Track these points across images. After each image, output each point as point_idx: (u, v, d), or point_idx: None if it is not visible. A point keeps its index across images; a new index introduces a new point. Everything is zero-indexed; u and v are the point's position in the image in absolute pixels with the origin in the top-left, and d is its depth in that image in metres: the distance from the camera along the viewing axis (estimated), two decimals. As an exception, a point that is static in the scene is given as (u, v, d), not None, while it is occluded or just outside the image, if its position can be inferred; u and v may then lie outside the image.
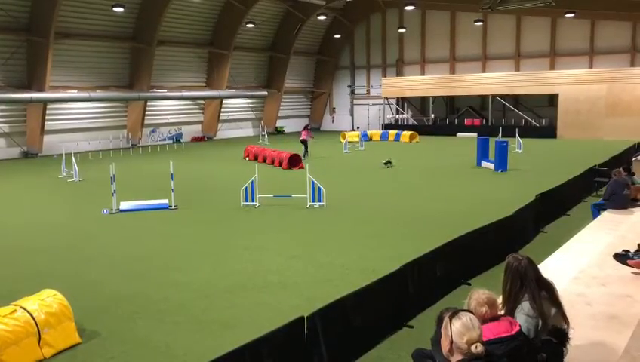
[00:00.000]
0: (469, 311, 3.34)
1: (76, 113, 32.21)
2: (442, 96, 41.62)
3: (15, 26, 28.04)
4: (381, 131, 38.58)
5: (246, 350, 5.03)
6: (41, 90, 28.57)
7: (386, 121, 43.42)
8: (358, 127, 44.55)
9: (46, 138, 30.17)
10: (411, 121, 42.73)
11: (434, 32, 42.65)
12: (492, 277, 8.57)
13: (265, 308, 7.80)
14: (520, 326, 3.94)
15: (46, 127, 29.99)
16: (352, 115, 48.08)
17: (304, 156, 25.05)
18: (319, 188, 14.82)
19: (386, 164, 22.47)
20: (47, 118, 29.80)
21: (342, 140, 32.70)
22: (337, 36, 45.28)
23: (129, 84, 34.04)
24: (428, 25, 42.86)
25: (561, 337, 4.26)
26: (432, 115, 41.87)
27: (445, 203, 15.00)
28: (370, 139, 35.97)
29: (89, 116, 32.84)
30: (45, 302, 6.64)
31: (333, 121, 49.01)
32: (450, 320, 3.18)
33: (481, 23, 39.39)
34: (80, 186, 19.58)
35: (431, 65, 43.28)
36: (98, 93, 31.73)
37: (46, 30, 27.78)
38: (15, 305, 6.45)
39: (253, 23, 37.78)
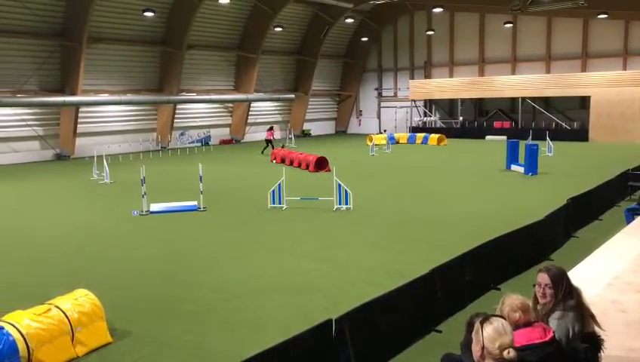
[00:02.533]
0: (500, 316, 3.30)
1: (107, 116, 32.84)
2: (471, 99, 41.23)
3: (49, 32, 28.74)
4: (408, 134, 38.38)
5: (274, 352, 5.06)
6: (73, 93, 29.20)
7: (414, 124, 43.18)
8: (385, 130, 44.39)
9: (78, 140, 30.80)
10: (439, 124, 42.40)
11: (463, 34, 42.28)
12: (522, 282, 8.45)
13: (292, 310, 7.83)
14: (554, 332, 3.87)
15: (78, 130, 30.63)
16: (378, 117, 47.94)
17: (262, 151, 29.44)
18: (346, 191, 14.82)
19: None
20: (79, 120, 30.44)
21: (368, 143, 32.62)
22: (365, 39, 45.22)
23: (159, 88, 34.56)
24: (456, 27, 42.51)
25: (596, 343, 4.17)
26: (461, 118, 41.48)
27: (474, 206, 14.84)
28: (398, 142, 35.82)
29: (120, 119, 33.43)
30: (78, 301, 6.77)
31: (359, 123, 48.93)
32: (482, 325, 3.15)
33: (511, 25, 38.89)
34: (111, 188, 19.94)
35: (459, 68, 42.90)
36: (129, 97, 32.28)
37: (79, 35, 28.40)
38: (49, 304, 6.60)
39: (281, 27, 38.01)
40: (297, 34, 41.95)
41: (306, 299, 8.27)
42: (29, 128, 29.54)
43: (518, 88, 38.02)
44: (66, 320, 6.46)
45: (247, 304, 8.12)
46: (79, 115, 30.32)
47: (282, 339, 5.34)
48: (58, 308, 6.54)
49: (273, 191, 15.36)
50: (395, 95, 46.68)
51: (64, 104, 29.07)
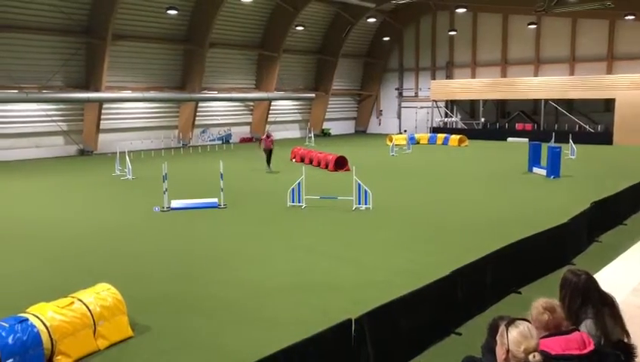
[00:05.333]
0: (526, 319, 3.26)
1: (130, 113, 33.22)
2: (493, 100, 40.86)
3: (75, 29, 29.15)
4: (429, 134, 38.16)
5: (294, 350, 5.07)
6: (97, 90, 29.59)
7: (435, 125, 42.93)
8: (405, 130, 44.21)
9: (101, 136, 31.20)
10: (460, 125, 42.09)
11: (485, 35, 41.93)
12: (544, 286, 8.36)
13: (311, 308, 7.84)
14: (595, 345, 3.69)
15: (101, 126, 31.03)
16: (399, 117, 47.75)
17: (269, 164, 23.04)
18: (365, 190, 14.79)
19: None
20: (102, 117, 30.83)
21: (388, 143, 32.52)
22: (386, 39, 45.06)
23: (181, 85, 34.84)
24: (479, 27, 42.16)
25: (628, 352, 4.06)
26: (482, 119, 41.13)
27: (495, 209, 14.71)
28: (418, 143, 35.65)
29: (142, 116, 33.80)
30: (100, 295, 6.86)
31: (379, 123, 48.80)
32: (507, 328, 3.12)
33: (535, 26, 38.44)
34: (133, 184, 20.16)
35: (482, 69, 42.53)
36: (151, 94, 32.62)
37: (104, 32, 28.77)
38: (72, 297, 6.69)
39: (303, 26, 38.06)
40: (318, 33, 41.96)
41: (324, 298, 8.27)
42: (54, 123, 30.00)
43: (541, 90, 37.57)
44: (89, 313, 6.55)
45: (265, 302, 8.15)
46: (103, 111, 30.71)
47: (301, 338, 5.35)
48: (81, 301, 6.63)
49: (293, 189, 15.39)
50: (416, 95, 46.46)
51: (88, 100, 29.48)
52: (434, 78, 44.40)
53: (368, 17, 40.79)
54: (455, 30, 42.05)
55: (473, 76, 42.73)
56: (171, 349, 6.63)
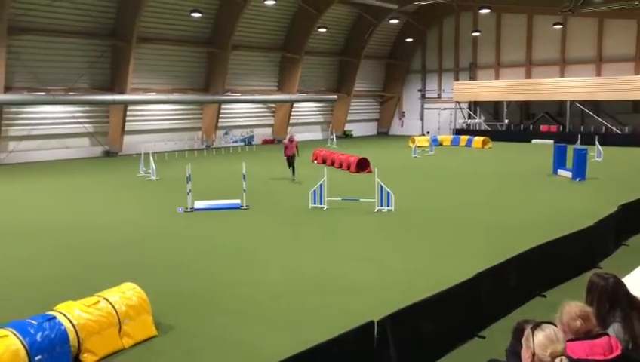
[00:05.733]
0: (552, 322, 3.22)
1: (154, 114, 33.62)
2: (517, 102, 40.41)
3: (101, 32, 29.63)
4: (452, 136, 37.88)
5: (316, 351, 5.08)
6: (122, 92, 30.02)
7: (458, 126, 42.61)
8: (428, 132, 43.97)
9: (126, 138, 31.64)
10: (484, 126, 41.71)
11: (509, 36, 41.49)
12: (569, 290, 8.23)
13: (333, 310, 7.84)
14: (621, 350, 3.62)
15: (126, 128, 31.46)
16: (421, 119, 47.52)
17: (293, 172, 20.60)
18: (388, 192, 14.74)
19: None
20: (127, 118, 31.27)
21: (411, 145, 32.37)
22: (409, 40, 44.88)
23: (204, 88, 35.16)
24: (503, 28, 41.74)
25: None
26: (506, 121, 40.70)
27: (519, 211, 14.54)
28: (441, 144, 35.41)
29: (166, 118, 34.18)
30: (126, 294, 6.96)
31: (402, 125, 48.60)
32: (533, 332, 3.08)
33: (560, 27, 37.93)
34: (157, 185, 20.40)
35: (506, 70, 42.10)
36: (175, 96, 32.98)
37: (129, 35, 29.19)
38: (98, 296, 6.80)
39: (325, 28, 38.12)
40: (341, 35, 41.98)
41: (347, 299, 8.27)
42: (80, 125, 30.51)
43: (567, 91, 37.03)
44: (114, 312, 6.65)
45: (288, 302, 8.18)
46: (127, 112, 31.14)
47: (324, 339, 5.36)
48: (107, 300, 6.74)
49: (314, 191, 15.42)
50: (439, 96, 46.19)
51: (113, 102, 29.93)
52: (457, 80, 44.09)
53: (391, 19, 40.69)
54: (479, 31, 41.71)
55: (497, 77, 42.32)
56: (195, 349, 6.69)
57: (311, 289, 8.72)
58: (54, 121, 29.50)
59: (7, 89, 26.35)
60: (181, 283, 9.14)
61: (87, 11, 28.47)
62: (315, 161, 26.79)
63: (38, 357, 5.79)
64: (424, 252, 10.84)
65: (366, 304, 7.97)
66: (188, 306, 8.05)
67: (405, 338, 5.92)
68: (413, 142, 32.40)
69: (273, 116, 40.57)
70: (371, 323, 5.68)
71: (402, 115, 48.89)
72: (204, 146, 35.32)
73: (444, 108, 45.25)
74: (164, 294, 8.33)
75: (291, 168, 20.50)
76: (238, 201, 15.66)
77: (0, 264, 10.36)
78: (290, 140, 20.66)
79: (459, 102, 42.86)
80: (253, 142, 38.67)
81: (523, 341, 3.17)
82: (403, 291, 8.31)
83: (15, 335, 5.78)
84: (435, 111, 46.25)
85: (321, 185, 15.30)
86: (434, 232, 12.45)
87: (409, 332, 6.01)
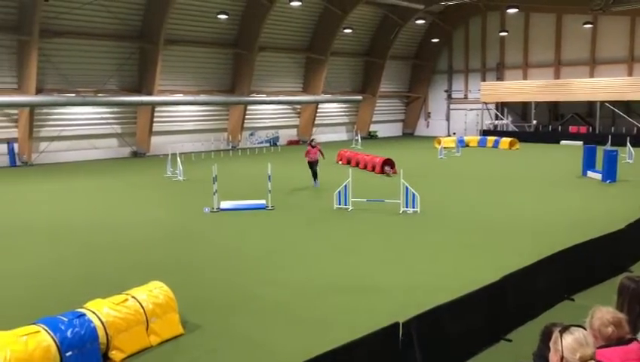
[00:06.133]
0: (581, 326, 3.16)
1: (181, 116, 34.00)
2: (545, 102, 39.80)
3: (129, 34, 30.10)
4: (479, 137, 37.48)
5: (341, 351, 5.08)
6: (150, 93, 30.43)
7: (485, 127, 42.16)
8: (454, 133, 43.59)
9: (153, 139, 32.07)
10: (511, 128, 41.19)
11: (538, 36, 40.89)
12: (599, 294, 8.09)
13: (358, 310, 7.83)
14: None
15: (154, 129, 31.88)
16: (448, 120, 47.13)
17: (315, 178, 19.39)
18: (413, 193, 14.66)
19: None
20: (155, 119, 31.69)
21: (437, 146, 32.13)
22: (435, 40, 44.57)
23: (230, 89, 35.44)
24: (531, 28, 41.15)
25: None
26: (534, 122, 40.12)
27: (548, 213, 14.32)
28: (467, 145, 35.07)
29: (193, 119, 34.54)
30: (153, 293, 7.06)
31: (428, 126, 48.28)
32: (562, 335, 3.03)
33: (591, 26, 37.22)
34: (184, 185, 20.63)
35: (534, 70, 41.50)
36: (202, 97, 33.30)
37: (156, 37, 29.58)
38: (127, 295, 6.91)
39: (351, 29, 38.08)
40: (366, 35, 41.90)
41: (371, 300, 8.25)
42: (109, 126, 31.03)
43: (597, 91, 36.34)
44: (142, 310, 6.75)
45: (313, 302, 8.20)
46: (155, 114, 31.57)
47: (348, 340, 5.36)
48: (135, 298, 6.84)
49: (339, 192, 15.42)
50: (466, 97, 45.76)
51: (141, 103, 30.37)
52: (484, 80, 43.62)
53: (417, 19, 40.45)
54: (506, 31, 41.20)
55: (525, 78, 41.74)
56: (220, 348, 6.75)
57: (335, 290, 8.72)
58: (84, 122, 30.05)
59: (39, 91, 26.94)
60: (207, 282, 9.23)
61: (116, 14, 28.95)
62: (340, 162, 26.79)
63: (68, 354, 5.92)
64: (450, 253, 10.75)
65: (391, 305, 7.94)
66: (213, 305, 8.13)
67: (431, 340, 5.89)
68: (439, 143, 32.14)
69: (298, 117, 40.68)
70: (396, 324, 5.66)
71: (428, 115, 48.56)
72: (230, 147, 35.59)
73: (471, 109, 44.81)
74: (190, 293, 8.42)
75: (314, 174, 19.29)
76: (263, 202, 15.75)
77: (32, 263, 10.60)
78: (313, 145, 19.32)
79: (486, 103, 42.40)
80: (278, 143, 38.82)
81: (551, 344, 3.12)
82: (428, 292, 8.27)
83: (46, 331, 5.91)
84: (461, 112, 45.83)
85: (345, 186, 15.29)
86: (460, 234, 12.34)
87: (434, 334, 5.98)
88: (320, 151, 19.28)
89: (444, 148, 30.59)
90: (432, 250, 11.03)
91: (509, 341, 6.79)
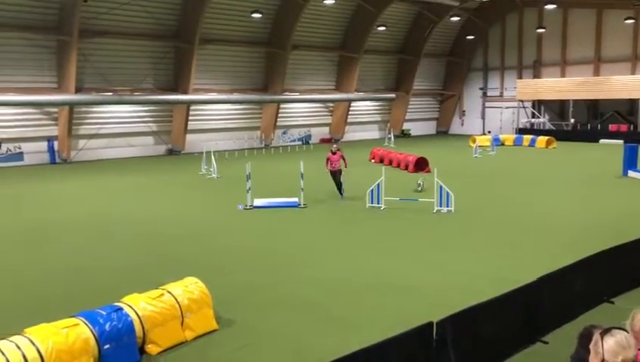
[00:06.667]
0: (622, 328, 3.08)
1: (215, 114, 34.38)
2: (584, 100, 38.85)
3: (165, 34, 30.57)
4: (515, 136, 36.84)
5: (374, 350, 5.07)
6: (185, 92, 30.87)
7: (521, 125, 41.42)
8: (489, 131, 42.94)
9: (188, 137, 32.52)
10: (548, 126, 40.34)
11: (577, 32, 39.91)
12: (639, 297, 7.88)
13: (390, 309, 7.80)
14: None
15: (189, 127, 32.33)
16: (483, 118, 46.46)
17: (340, 190, 16.76)
18: (447, 193, 14.51)
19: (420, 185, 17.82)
20: (189, 118, 32.12)
21: (471, 144, 31.71)
22: (470, 37, 43.98)
23: (263, 87, 35.66)
24: (570, 24, 40.20)
25: None
26: (572, 120, 39.21)
27: (586, 214, 14.00)
28: (503, 144, 34.51)
29: (227, 117, 34.89)
30: (188, 288, 7.16)
31: (462, 124, 47.69)
32: (602, 337, 2.96)
33: (633, 21, 36.14)
34: (218, 183, 20.87)
35: (572, 67, 40.55)
36: (235, 96, 33.62)
37: (192, 36, 29.97)
38: (162, 290, 7.03)
39: (385, 26, 37.87)
40: (400, 33, 41.62)
41: (404, 299, 8.21)
42: (145, 124, 31.59)
43: (639, 89, 35.29)
44: (177, 305, 6.86)
45: (345, 301, 8.20)
46: (190, 112, 31.99)
47: (380, 339, 5.34)
48: (170, 293, 6.96)
49: (372, 190, 15.36)
50: (501, 95, 45.03)
51: (177, 102, 30.86)
52: (520, 78, 42.85)
53: (452, 16, 40.00)
54: (544, 27, 40.39)
55: (563, 75, 40.83)
56: (253, 344, 6.81)
57: (368, 289, 8.70)
58: (121, 120, 30.67)
59: (78, 90, 27.59)
60: (241, 278, 9.32)
61: (153, 14, 29.44)
62: (373, 160, 26.69)
63: (106, 346, 6.05)
64: (485, 253, 10.61)
65: (424, 305, 7.89)
66: (246, 302, 8.20)
67: (465, 340, 5.82)
68: (474, 141, 31.71)
69: (331, 115, 40.69)
70: (430, 323, 5.61)
71: (463, 113, 47.97)
72: (263, 145, 35.82)
73: (507, 107, 44.06)
74: (223, 289, 8.51)
75: (337, 184, 16.73)
76: (295, 200, 15.82)
77: (70, 258, 10.87)
78: (333, 151, 16.62)
79: (522, 101, 41.65)
80: (310, 142, 38.90)
81: (591, 346, 3.05)
82: (462, 293, 8.17)
83: (85, 324, 6.06)
84: (496, 110, 45.11)
85: (378, 184, 15.23)
86: (495, 233, 12.17)
87: (469, 334, 5.91)
88: (343, 157, 16.50)
89: (479, 146, 30.17)
90: (466, 250, 10.90)
91: (545, 343, 6.67)
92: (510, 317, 6.45)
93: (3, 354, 5.43)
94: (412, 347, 5.44)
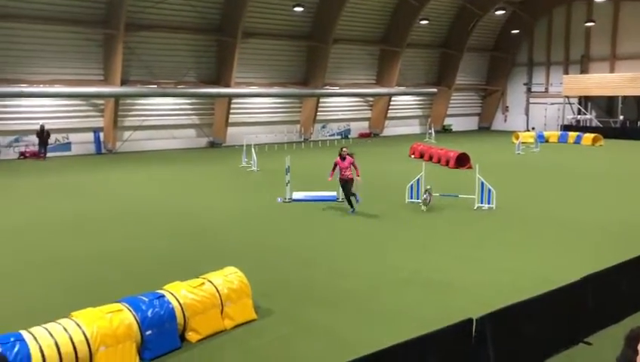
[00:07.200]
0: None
1: (256, 107, 34.67)
2: (634, 96, 37.53)
3: (208, 27, 30.96)
4: (559, 132, 35.92)
5: (413, 345, 5.04)
6: (227, 85, 31.22)
7: (566, 122, 40.35)
8: (533, 128, 41.97)
9: (229, 130, 32.90)
10: (595, 123, 39.19)
11: (628, 25, 38.52)
12: (690, 300, 7.59)
13: (428, 305, 7.74)
14: None
15: (230, 120, 32.70)
16: (526, 114, 45.45)
17: (351, 204, 13.99)
18: (489, 189, 14.27)
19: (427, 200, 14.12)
20: (231, 111, 32.49)
21: (514, 141, 31.09)
22: (515, 31, 43.00)
23: (303, 81, 35.74)
24: (621, 18, 38.85)
25: None
26: (621, 117, 37.96)
27: (633, 214, 13.55)
28: (547, 141, 33.71)
29: (267, 111, 35.14)
30: (228, 278, 7.27)
31: (505, 120, 46.77)
32: (651, 339, 2.89)
33: (688, 14, 34.73)
34: (257, 175, 21.08)
35: (622, 62, 39.17)
36: (276, 89, 33.82)
37: (234, 30, 30.27)
38: (203, 279, 7.15)
39: (427, 20, 37.42)
40: (443, 26, 41.06)
41: (442, 295, 8.13)
42: (187, 117, 32.11)
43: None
44: (217, 294, 6.97)
45: (382, 295, 8.18)
46: (231, 105, 32.35)
47: (417, 334, 5.30)
48: (211, 282, 7.07)
49: (411, 185, 15.24)
50: (546, 91, 43.93)
51: (218, 95, 31.25)
52: (567, 73, 41.70)
53: (496, 9, 39.20)
54: (593, 21, 39.14)
55: (612, 70, 39.53)
56: (291, 334, 6.87)
57: (405, 284, 8.65)
58: (164, 112, 31.24)
59: (123, 82, 28.25)
60: (279, 269, 9.40)
61: (196, 7, 29.85)
62: (412, 156, 26.46)
63: (148, 332, 6.20)
64: (527, 251, 10.41)
65: (461, 301, 7.80)
66: (284, 293, 8.26)
67: (505, 338, 5.74)
68: (517, 137, 31.06)
69: (370, 110, 40.49)
70: (470, 320, 5.55)
71: (506, 109, 47.03)
72: (302, 139, 35.95)
73: (552, 103, 42.97)
74: (261, 280, 8.59)
75: (346, 195, 14.04)
76: (334, 194, 15.82)
77: (114, 245, 11.17)
78: (343, 156, 13.91)
79: (568, 97, 40.54)
80: (349, 136, 38.83)
81: (639, 348, 2.97)
82: (501, 290, 8.05)
83: (129, 310, 6.22)
84: (541, 106, 44.03)
85: (418, 179, 15.09)
86: (538, 232, 11.91)
87: (510, 332, 5.82)
88: (353, 165, 13.86)
89: (522, 143, 29.54)
90: (506, 248, 10.71)
91: (589, 344, 6.50)
92: (552, 317, 6.31)
93: (51, 335, 5.64)
94: (451, 343, 5.39)
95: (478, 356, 5.56)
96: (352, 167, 13.79)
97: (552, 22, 42.91)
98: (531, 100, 45.10)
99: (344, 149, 14.10)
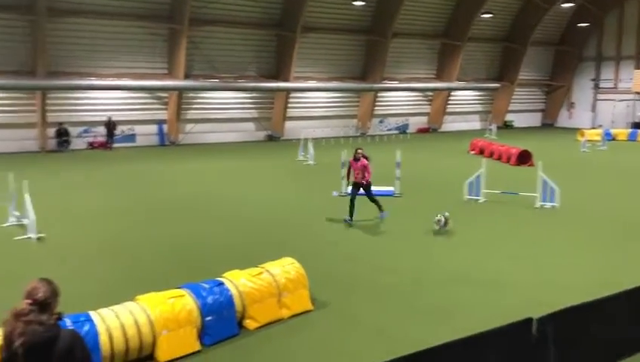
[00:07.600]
0: None
1: (314, 102, 34.83)
2: None
3: (268, 22, 31.33)
4: (629, 130, 34.33)
5: (472, 341, 4.98)
6: (286, 80, 31.52)
7: (636, 120, 38.50)
8: (600, 125, 40.27)
9: (287, 124, 33.23)
10: (668, 121, 37.23)
11: None
12: None
13: (480, 303, 7.65)
14: None
15: (288, 114, 33.02)
16: (593, 111, 43.63)
17: (350, 219, 12.45)
18: (552, 187, 13.84)
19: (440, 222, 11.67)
20: (289, 105, 32.80)
21: (580, 138, 29.96)
22: (583, 25, 41.31)
23: (361, 76, 35.60)
24: (699, 9, 36.69)
25: None
26: (697, 115, 35.91)
27: None
28: (614, 139, 32.31)
29: (324, 105, 35.24)
30: (285, 268, 7.39)
31: (570, 117, 45.07)
32: None
33: None
34: (314, 169, 21.23)
35: (699, 57, 37.03)
36: (334, 84, 33.87)
37: (294, 25, 30.51)
38: (262, 268, 7.30)
39: (490, 13, 36.51)
40: (506, 20, 39.93)
41: (495, 294, 8.02)
42: (247, 111, 32.65)
43: None
44: (275, 284, 7.10)
45: (433, 292, 8.13)
46: (289, 99, 32.65)
47: (469, 331, 5.23)
48: (269, 272, 7.21)
49: (470, 182, 14.97)
50: (615, 87, 42.01)
51: (278, 89, 31.61)
52: (638, 68, 39.73)
53: (563, 2, 37.77)
54: (668, 13, 37.13)
55: (688, 65, 37.41)
56: (346, 326, 6.92)
57: (457, 281, 8.56)
58: (225, 106, 31.87)
59: (187, 76, 29.01)
60: (334, 262, 9.49)
61: (259, 2, 30.25)
62: (472, 152, 25.94)
63: (208, 318, 6.40)
64: (589, 252, 10.06)
65: (514, 300, 7.67)
66: (337, 286, 8.32)
67: (568, 339, 5.58)
68: (583, 135, 29.90)
69: (429, 105, 39.92)
70: (529, 320, 5.42)
71: (571, 105, 45.30)
72: (359, 134, 35.86)
73: (621, 100, 41.07)
74: (318, 272, 8.67)
75: (351, 206, 12.48)
76: (391, 188, 15.75)
77: (177, 233, 11.54)
78: (357, 158, 12.70)
79: (639, 93, 38.64)
80: (407, 131, 38.44)
81: None
82: (556, 291, 7.88)
83: (190, 295, 6.43)
84: (609, 103, 42.17)
85: (477, 176, 14.81)
86: (603, 233, 11.48)
87: (572, 334, 5.65)
88: (365, 168, 12.57)
89: (588, 141, 28.43)
90: (566, 248, 10.40)
91: (658, 350, 6.23)
92: (619, 320, 6.09)
93: (118, 317, 5.91)
94: (510, 341, 5.29)
95: (538, 356, 5.43)
96: (364, 171, 12.49)
97: (624, 15, 40.94)
98: (599, 96, 43.24)
99: (359, 150, 12.80)
